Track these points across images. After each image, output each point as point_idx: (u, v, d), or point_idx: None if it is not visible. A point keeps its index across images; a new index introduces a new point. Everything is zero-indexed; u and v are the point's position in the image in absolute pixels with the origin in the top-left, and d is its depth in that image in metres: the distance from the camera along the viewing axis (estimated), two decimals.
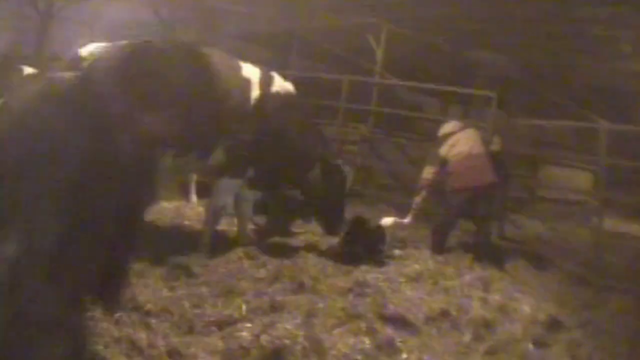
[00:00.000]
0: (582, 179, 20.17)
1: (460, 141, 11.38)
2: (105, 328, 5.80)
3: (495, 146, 13.45)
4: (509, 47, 22.20)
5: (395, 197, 15.40)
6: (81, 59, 8.57)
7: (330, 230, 10.50)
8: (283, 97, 9.86)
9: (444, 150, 11.35)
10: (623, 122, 17.24)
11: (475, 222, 11.81)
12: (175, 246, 8.97)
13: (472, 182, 10.81)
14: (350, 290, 8.34)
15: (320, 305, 7.46)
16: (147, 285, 7.43)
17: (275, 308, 7.26)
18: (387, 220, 11.60)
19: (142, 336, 5.82)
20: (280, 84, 9.92)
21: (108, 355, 5.26)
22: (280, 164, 9.84)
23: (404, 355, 6.55)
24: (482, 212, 11.47)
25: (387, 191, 16.94)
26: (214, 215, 9.60)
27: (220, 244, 9.46)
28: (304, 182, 10.27)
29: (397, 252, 10.95)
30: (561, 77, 23.73)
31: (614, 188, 15.34)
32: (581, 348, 7.74)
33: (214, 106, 9.02)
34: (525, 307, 8.76)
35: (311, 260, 9.45)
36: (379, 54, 19.40)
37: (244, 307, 7.14)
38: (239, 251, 9.17)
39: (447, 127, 11.86)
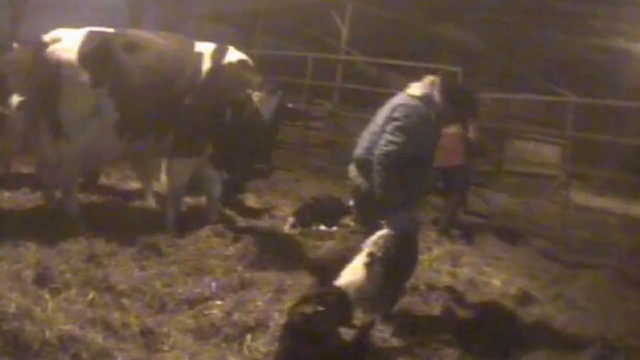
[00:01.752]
0: (549, 153, 20.28)
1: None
2: (80, 309, 5.91)
3: (470, 134, 13.40)
4: (474, 22, 22.21)
5: None
6: (44, 44, 8.80)
7: (255, 172, 9.71)
8: (236, 68, 9.68)
9: None
10: (591, 97, 17.35)
11: (443, 197, 11.89)
12: (143, 227, 9.04)
13: (439, 162, 9.42)
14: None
15: (289, 282, 7.54)
16: (119, 266, 7.54)
17: (244, 285, 7.37)
18: None
19: (116, 316, 5.92)
20: (235, 56, 9.78)
21: (84, 336, 5.32)
22: (239, 140, 9.49)
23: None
24: (449, 189, 11.54)
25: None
26: (174, 196, 9.63)
27: (188, 223, 9.50)
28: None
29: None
30: (528, 52, 23.79)
31: (582, 162, 15.49)
32: (553, 321, 7.79)
33: (166, 86, 9.16)
34: (495, 281, 8.90)
35: (278, 237, 9.61)
36: (344, 31, 19.45)
37: (213, 284, 7.26)
38: (207, 230, 9.18)
39: None
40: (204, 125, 9.33)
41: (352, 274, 6.32)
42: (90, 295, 6.38)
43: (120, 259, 7.77)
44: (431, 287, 8.09)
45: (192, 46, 9.61)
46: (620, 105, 17.43)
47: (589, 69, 23.43)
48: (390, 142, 6.85)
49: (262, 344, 5.93)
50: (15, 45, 10.58)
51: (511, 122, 22.48)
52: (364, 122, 17.14)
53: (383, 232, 6.58)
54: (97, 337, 5.42)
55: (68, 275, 6.70)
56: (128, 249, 8.10)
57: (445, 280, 8.59)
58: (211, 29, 19.02)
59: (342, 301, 5.81)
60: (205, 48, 9.60)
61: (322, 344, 5.23)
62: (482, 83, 23.96)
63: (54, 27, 9.03)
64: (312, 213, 10.87)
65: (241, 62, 9.73)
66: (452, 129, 10.66)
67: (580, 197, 15.55)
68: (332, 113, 18.01)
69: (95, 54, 8.80)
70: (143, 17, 20.81)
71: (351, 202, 7.89)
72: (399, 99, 7.27)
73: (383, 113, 7.28)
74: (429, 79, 7.28)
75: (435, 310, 7.57)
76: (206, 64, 9.41)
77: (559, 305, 8.54)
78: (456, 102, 7.22)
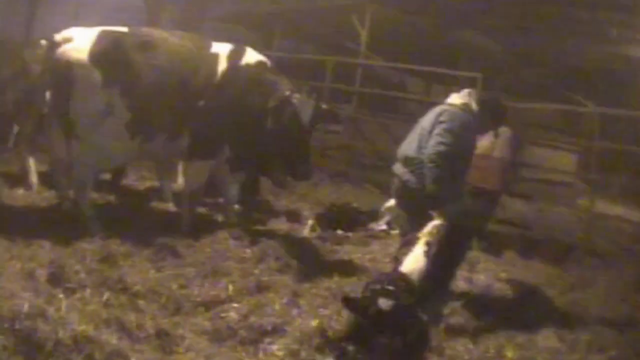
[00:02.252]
0: (566, 160, 20.19)
1: (485, 137, 11.17)
2: (94, 310, 5.85)
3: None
4: (494, 29, 22.22)
5: (379, 177, 15.35)
6: (56, 43, 8.75)
7: (298, 176, 9.38)
8: (253, 68, 9.54)
9: None
10: (609, 105, 17.26)
11: None
12: (160, 228, 9.02)
13: (472, 181, 10.14)
14: (334, 270, 8.33)
15: (306, 285, 7.54)
16: (135, 266, 7.48)
17: (261, 288, 7.33)
18: (389, 203, 11.39)
19: (131, 318, 5.88)
20: (253, 57, 9.65)
21: (98, 337, 5.26)
22: (255, 140, 9.36)
23: None
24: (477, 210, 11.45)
25: (372, 171, 16.93)
26: (190, 197, 9.57)
27: (205, 225, 9.47)
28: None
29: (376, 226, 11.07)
30: (547, 60, 23.78)
31: (601, 170, 15.40)
32: (568, 330, 7.72)
33: (179, 86, 9.05)
34: (510, 288, 8.85)
35: (296, 240, 9.55)
36: (364, 35, 19.42)
37: (230, 287, 7.21)
38: (224, 232, 9.14)
39: None
40: (220, 128, 9.22)
41: (414, 262, 6.72)
42: (105, 296, 6.32)
43: (136, 260, 7.73)
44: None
45: (209, 46, 9.51)
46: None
47: (606, 76, 23.42)
48: (440, 142, 7.80)
49: (278, 347, 5.91)
50: (42, 42, 10.56)
51: (528, 128, 22.42)
52: (383, 126, 17.10)
53: (436, 222, 7.24)
54: (111, 338, 5.37)
55: (82, 275, 6.65)
56: (144, 250, 8.05)
57: (461, 285, 8.60)
58: (230, 30, 19.02)
59: (408, 285, 6.29)
60: (221, 49, 9.49)
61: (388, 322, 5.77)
62: (500, 89, 24.01)
63: (70, 26, 9.00)
64: (329, 219, 10.89)
65: (260, 64, 9.60)
66: (495, 153, 10.74)
67: (598, 205, 15.42)
68: (350, 117, 17.92)
69: (107, 54, 8.74)
70: (161, 16, 20.83)
71: (387, 205, 9.61)
72: (443, 106, 8.26)
73: (429, 118, 8.17)
74: (466, 90, 8.45)
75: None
76: (222, 65, 9.30)
77: (574, 312, 8.52)
78: (490, 110, 8.50)
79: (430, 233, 7.08)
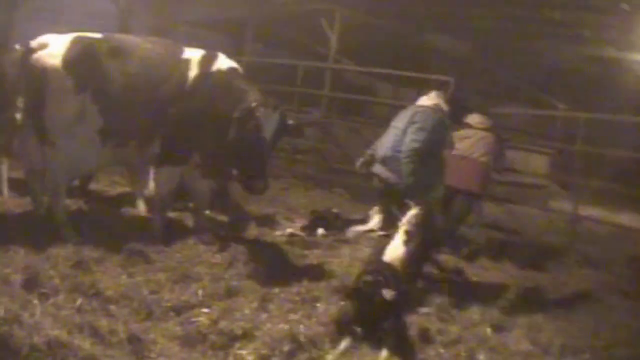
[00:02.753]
0: (538, 163, 20.34)
1: (468, 139, 11.40)
2: (67, 315, 5.95)
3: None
4: (464, 31, 22.28)
5: (349, 181, 15.47)
6: (31, 49, 8.82)
7: (252, 189, 9.03)
8: (224, 74, 9.49)
9: (454, 137, 11.32)
10: (582, 106, 17.44)
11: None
12: (131, 233, 9.07)
13: (450, 181, 10.69)
14: (304, 275, 8.44)
15: (276, 290, 7.64)
16: (107, 272, 7.57)
17: (231, 293, 7.43)
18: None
19: (103, 323, 5.95)
20: (224, 64, 9.58)
21: (71, 342, 5.35)
22: (225, 147, 9.18)
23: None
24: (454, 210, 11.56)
25: (342, 175, 17.00)
26: (160, 202, 9.59)
27: (176, 230, 9.57)
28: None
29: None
30: (519, 61, 23.87)
31: (572, 172, 15.55)
32: (540, 332, 7.77)
33: (150, 92, 9.07)
34: (484, 291, 8.87)
35: (265, 245, 9.65)
36: (333, 39, 19.51)
37: (200, 292, 7.30)
38: (194, 237, 9.26)
39: (472, 118, 11.86)
40: (190, 134, 9.23)
41: (394, 250, 7.70)
42: (78, 301, 6.38)
43: (108, 265, 7.80)
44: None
45: (180, 52, 9.50)
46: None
47: (579, 77, 23.53)
48: (414, 140, 9.21)
49: (248, 352, 5.98)
50: (17, 46, 10.57)
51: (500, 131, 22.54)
52: (352, 130, 17.20)
53: (413, 211, 8.05)
54: (84, 343, 5.45)
55: (56, 281, 6.71)
56: (116, 255, 8.12)
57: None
58: (201, 35, 19.08)
59: (393, 273, 7.14)
60: (193, 54, 9.48)
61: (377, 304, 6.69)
62: (473, 92, 24.13)
63: (44, 32, 9.07)
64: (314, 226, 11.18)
65: (231, 71, 9.58)
66: (475, 155, 11.05)
67: (569, 206, 15.58)
68: (320, 121, 18.01)
69: (79, 60, 8.78)
70: (134, 22, 20.85)
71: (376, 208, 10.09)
72: (415, 108, 9.70)
73: (401, 119, 9.63)
74: (434, 92, 9.85)
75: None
76: (193, 71, 9.30)
77: (546, 316, 8.51)
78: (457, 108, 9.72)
79: (408, 222, 7.91)
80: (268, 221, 11.45)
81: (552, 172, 19.56)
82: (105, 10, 20.46)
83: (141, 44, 9.37)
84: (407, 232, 7.81)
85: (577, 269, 11.52)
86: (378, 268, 7.17)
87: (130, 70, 8.99)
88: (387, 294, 6.58)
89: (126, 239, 8.62)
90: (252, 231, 10.67)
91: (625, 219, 16.08)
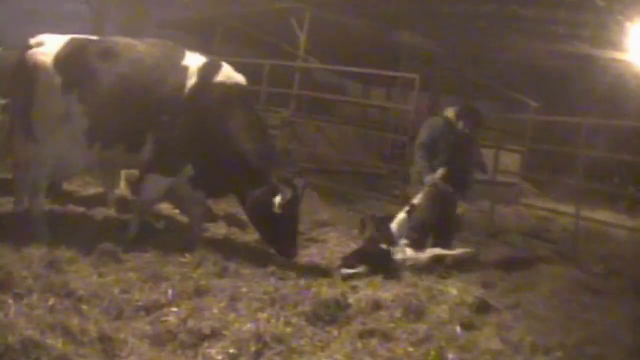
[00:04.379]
0: (509, 161, 20.47)
1: None
2: (40, 315, 6.03)
3: None
4: (434, 29, 22.33)
5: (317, 180, 15.57)
6: (28, 47, 8.96)
7: (284, 253, 9.42)
8: (227, 88, 9.48)
9: None
10: (554, 103, 17.59)
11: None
12: (103, 233, 9.18)
13: None
14: (273, 274, 8.62)
15: (244, 289, 7.73)
16: (79, 272, 7.69)
17: (200, 292, 7.53)
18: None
19: (75, 322, 6.01)
20: (227, 75, 9.54)
21: (44, 342, 5.44)
22: (220, 165, 9.37)
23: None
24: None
25: (309, 174, 17.05)
26: (141, 209, 9.58)
27: (147, 231, 9.68)
28: (249, 197, 9.48)
29: None
30: (490, 58, 24.02)
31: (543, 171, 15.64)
32: (511, 330, 7.68)
33: (140, 96, 9.05)
34: (453, 290, 8.75)
35: (234, 244, 9.84)
36: (302, 38, 19.57)
37: (170, 291, 7.40)
38: (164, 237, 9.50)
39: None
40: (183, 146, 9.20)
41: (397, 220, 10.40)
42: (51, 301, 6.43)
43: (80, 265, 7.91)
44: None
45: (180, 57, 9.39)
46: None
47: (552, 75, 23.62)
48: (418, 140, 11.27)
49: (217, 351, 6.06)
50: None
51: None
52: (320, 129, 17.25)
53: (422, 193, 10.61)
54: (56, 343, 5.53)
55: (30, 281, 6.78)
56: (87, 256, 8.24)
57: (406, 290, 8.36)
58: (171, 35, 19.12)
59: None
60: (194, 61, 9.38)
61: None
62: (442, 90, 24.27)
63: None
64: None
65: (234, 86, 9.58)
66: None
67: (540, 204, 15.72)
68: (288, 121, 18.11)
69: (68, 60, 8.87)
70: (105, 23, 20.91)
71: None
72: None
73: None
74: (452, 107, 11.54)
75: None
76: (191, 79, 9.21)
77: (517, 314, 8.48)
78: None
79: (419, 198, 10.57)
80: (237, 221, 11.47)
81: (523, 170, 19.75)
82: (79, 11, 20.51)
83: (136, 46, 9.32)
84: (412, 205, 10.53)
85: (549, 266, 11.47)
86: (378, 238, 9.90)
87: (119, 72, 9.00)
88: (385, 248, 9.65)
89: (98, 239, 8.70)
90: (221, 231, 10.83)
91: (599, 216, 16.30)
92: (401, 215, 10.43)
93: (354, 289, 8.38)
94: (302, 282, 8.18)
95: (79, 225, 9.58)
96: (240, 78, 9.67)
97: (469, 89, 25.00)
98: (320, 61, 21.06)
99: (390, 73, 18.59)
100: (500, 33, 21.81)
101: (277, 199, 9.12)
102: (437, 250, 10.36)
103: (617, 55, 18.97)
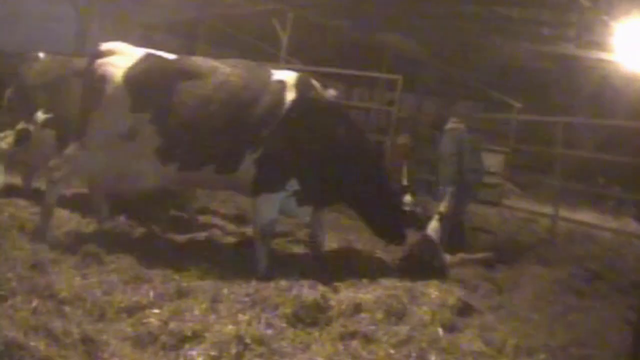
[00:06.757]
0: (493, 162, 20.50)
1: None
2: (24, 317, 6.08)
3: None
4: (416, 30, 22.34)
5: None
6: (99, 53, 9.01)
7: (399, 241, 10.27)
8: (324, 99, 9.71)
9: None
10: (538, 104, 17.65)
11: None
12: (86, 235, 9.31)
13: None
14: (254, 275, 8.62)
15: (225, 291, 7.78)
16: (62, 273, 7.72)
17: (181, 294, 7.60)
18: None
19: (57, 324, 6.07)
20: (318, 86, 9.63)
21: (27, 343, 5.51)
22: (327, 176, 9.37)
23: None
24: None
25: None
26: (263, 234, 9.22)
27: (131, 232, 9.77)
28: (363, 205, 9.95)
29: None
30: (474, 59, 24.09)
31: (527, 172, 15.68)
32: (494, 332, 7.67)
33: (232, 117, 8.95)
34: (434, 291, 8.65)
35: (215, 246, 9.90)
36: (285, 39, 19.62)
37: (151, 293, 7.46)
38: (146, 239, 9.58)
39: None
40: (287, 160, 9.14)
41: (432, 227, 10.58)
42: (34, 303, 6.47)
43: (63, 267, 7.96)
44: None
45: (269, 75, 9.29)
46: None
47: (536, 76, 23.66)
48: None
49: (198, 353, 6.09)
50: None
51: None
52: None
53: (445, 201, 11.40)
54: (39, 345, 5.58)
55: (14, 283, 6.81)
56: (71, 257, 8.30)
57: (388, 292, 8.26)
58: (155, 38, 19.18)
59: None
60: (286, 77, 9.33)
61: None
62: (425, 91, 24.29)
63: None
64: None
65: (327, 96, 9.93)
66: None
67: (523, 205, 15.77)
68: None
69: (143, 78, 8.80)
70: (90, 24, 20.96)
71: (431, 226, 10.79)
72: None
73: None
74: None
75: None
76: (290, 95, 9.15)
77: (500, 315, 8.55)
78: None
79: (443, 207, 11.21)
80: (219, 223, 11.56)
81: (506, 171, 19.81)
82: (65, 13, 20.54)
83: (219, 68, 9.17)
84: (441, 213, 10.95)
85: (532, 267, 11.45)
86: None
87: (204, 95, 8.88)
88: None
89: (81, 240, 8.82)
90: (202, 232, 10.84)
91: (583, 217, 16.44)
92: (434, 224, 10.71)
93: (335, 290, 8.39)
94: (283, 283, 8.07)
95: (63, 226, 9.69)
96: (331, 92, 10.45)
97: (453, 90, 25.05)
98: (302, 62, 21.05)
99: (372, 74, 18.62)
100: (485, 34, 21.82)
101: (407, 198, 10.02)
102: (464, 255, 11.28)
103: (603, 55, 19.02)
